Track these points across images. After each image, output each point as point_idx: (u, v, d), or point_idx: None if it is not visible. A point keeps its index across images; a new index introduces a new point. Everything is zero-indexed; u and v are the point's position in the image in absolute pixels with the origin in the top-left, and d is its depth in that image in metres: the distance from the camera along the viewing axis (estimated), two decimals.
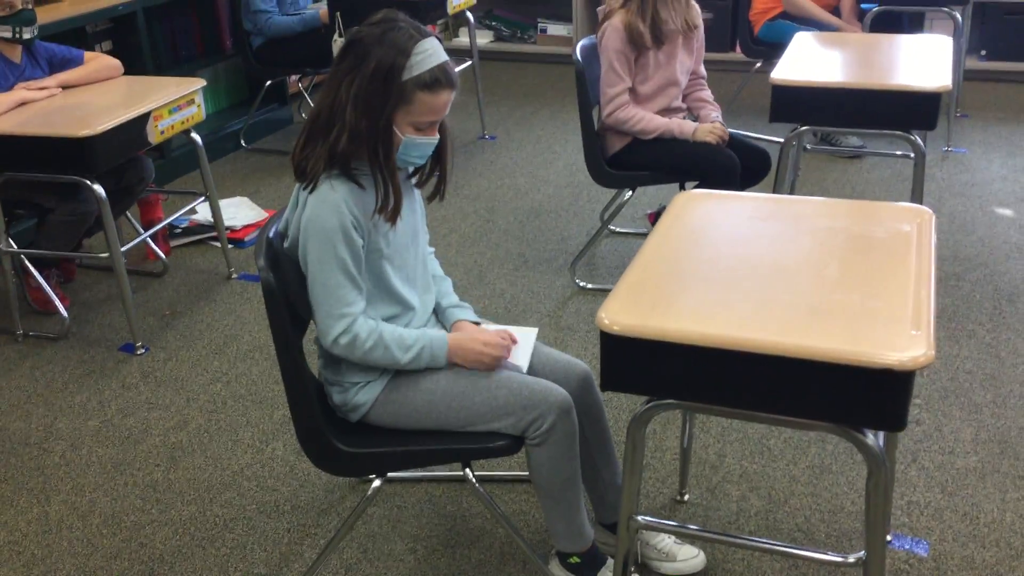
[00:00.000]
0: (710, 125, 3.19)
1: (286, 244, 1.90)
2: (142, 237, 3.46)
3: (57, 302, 3.29)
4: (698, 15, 3.27)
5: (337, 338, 1.84)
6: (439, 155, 1.93)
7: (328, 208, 1.80)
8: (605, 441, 2.07)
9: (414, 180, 1.98)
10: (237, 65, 5.27)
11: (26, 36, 3.18)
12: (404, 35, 1.76)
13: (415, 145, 1.83)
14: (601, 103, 3.22)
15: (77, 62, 3.37)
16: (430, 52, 1.77)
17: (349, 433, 1.96)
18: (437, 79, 1.77)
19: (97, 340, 3.26)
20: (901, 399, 1.45)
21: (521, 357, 1.98)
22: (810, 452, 2.54)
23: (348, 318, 1.84)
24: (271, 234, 1.88)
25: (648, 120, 3.18)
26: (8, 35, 3.14)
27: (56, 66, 3.33)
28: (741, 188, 3.13)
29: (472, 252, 3.76)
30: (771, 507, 2.36)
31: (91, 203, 3.12)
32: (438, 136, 1.87)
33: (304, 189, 1.84)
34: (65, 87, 3.29)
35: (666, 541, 2.15)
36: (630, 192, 3.38)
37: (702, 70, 3.38)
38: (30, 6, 3.20)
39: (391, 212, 1.85)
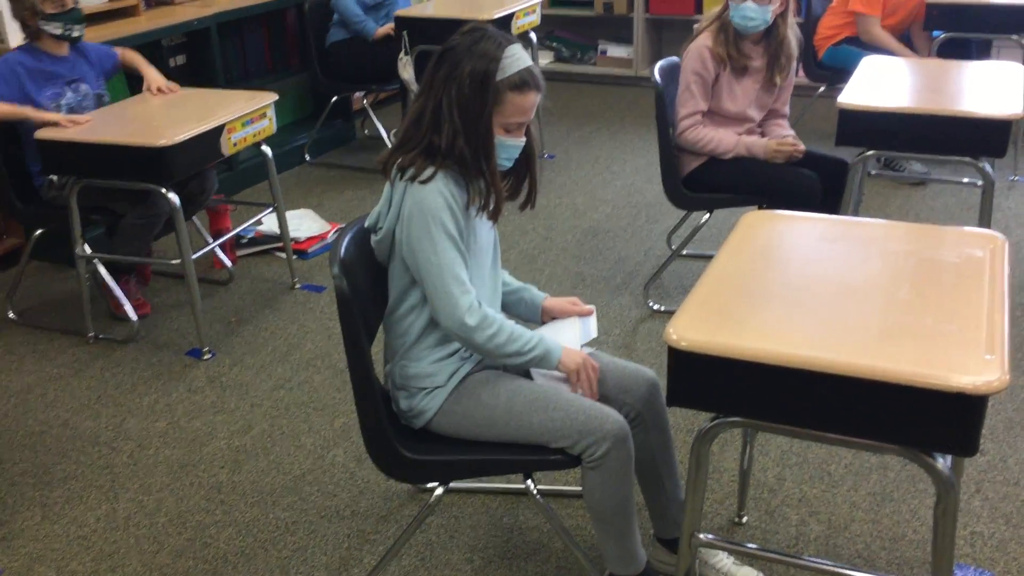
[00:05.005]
0: (776, 141, 3.15)
1: (377, 237, 1.95)
2: (211, 246, 3.55)
3: (128, 307, 3.38)
4: (791, 59, 3.19)
5: (467, 314, 1.85)
6: (528, 161, 1.98)
7: (434, 191, 1.85)
8: (668, 448, 2.08)
9: (506, 190, 2.01)
10: (303, 81, 5.38)
11: (75, 34, 3.30)
12: (493, 43, 1.85)
13: (504, 147, 1.90)
14: (675, 122, 3.21)
15: (112, 54, 3.52)
16: (518, 56, 1.86)
17: (413, 440, 1.99)
18: (525, 80, 1.86)
19: (165, 344, 3.35)
20: (974, 424, 1.44)
21: (571, 338, 2.09)
22: (871, 479, 2.52)
23: (471, 295, 1.87)
24: (345, 242, 1.93)
25: (719, 142, 3.16)
26: (59, 32, 3.25)
27: (100, 59, 3.47)
28: (821, 210, 3.09)
29: (530, 269, 3.79)
30: (831, 532, 2.34)
31: (161, 206, 3.21)
32: (524, 139, 1.93)
33: (404, 179, 1.87)
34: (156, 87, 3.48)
35: (725, 561, 2.14)
36: (708, 215, 3.33)
37: (785, 109, 3.32)
38: (78, 4, 3.32)
39: (493, 212, 1.93)
